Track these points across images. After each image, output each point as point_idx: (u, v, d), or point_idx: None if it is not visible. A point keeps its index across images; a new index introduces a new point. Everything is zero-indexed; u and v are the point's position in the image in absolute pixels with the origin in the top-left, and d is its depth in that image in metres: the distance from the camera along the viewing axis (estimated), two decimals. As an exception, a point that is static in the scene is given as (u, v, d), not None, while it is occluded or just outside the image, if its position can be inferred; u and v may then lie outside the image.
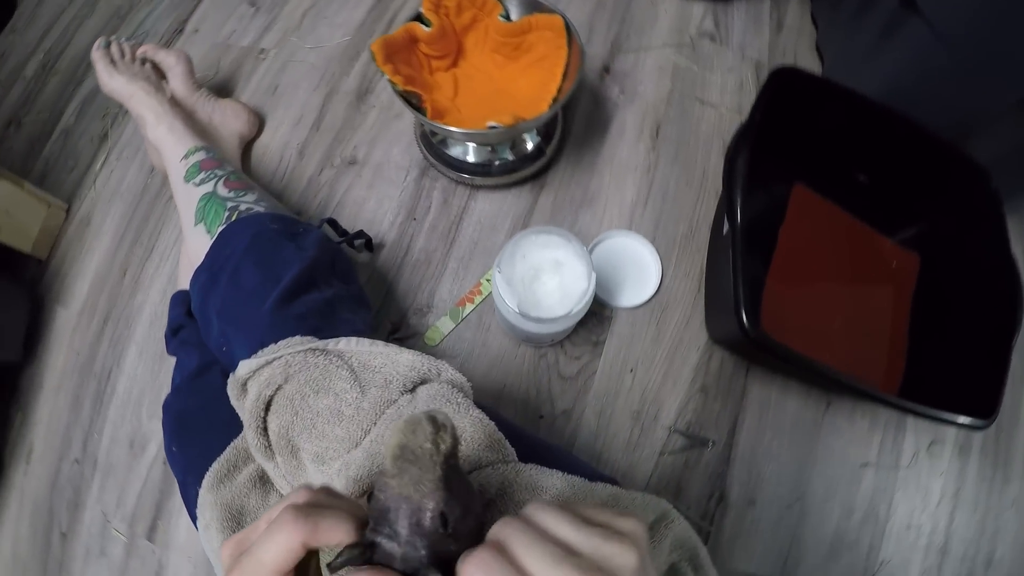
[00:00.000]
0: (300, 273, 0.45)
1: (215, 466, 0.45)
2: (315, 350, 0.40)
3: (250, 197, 0.53)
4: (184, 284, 0.62)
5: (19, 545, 0.68)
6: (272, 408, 0.40)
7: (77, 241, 0.76)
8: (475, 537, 0.23)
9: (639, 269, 0.66)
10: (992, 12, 0.53)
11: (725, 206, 0.56)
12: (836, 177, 0.69)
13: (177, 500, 0.66)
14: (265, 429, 0.40)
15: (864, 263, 0.68)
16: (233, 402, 0.43)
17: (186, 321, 0.57)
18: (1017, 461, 0.64)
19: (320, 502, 0.22)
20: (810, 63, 0.79)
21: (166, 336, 0.60)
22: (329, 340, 0.41)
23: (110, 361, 0.71)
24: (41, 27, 0.91)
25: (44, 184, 0.79)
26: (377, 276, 0.67)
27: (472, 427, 0.37)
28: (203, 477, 0.45)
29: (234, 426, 0.46)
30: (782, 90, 0.59)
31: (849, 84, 0.63)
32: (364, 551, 0.21)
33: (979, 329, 0.58)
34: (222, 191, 0.52)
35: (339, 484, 0.36)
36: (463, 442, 0.36)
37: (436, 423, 0.22)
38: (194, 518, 0.46)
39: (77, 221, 0.77)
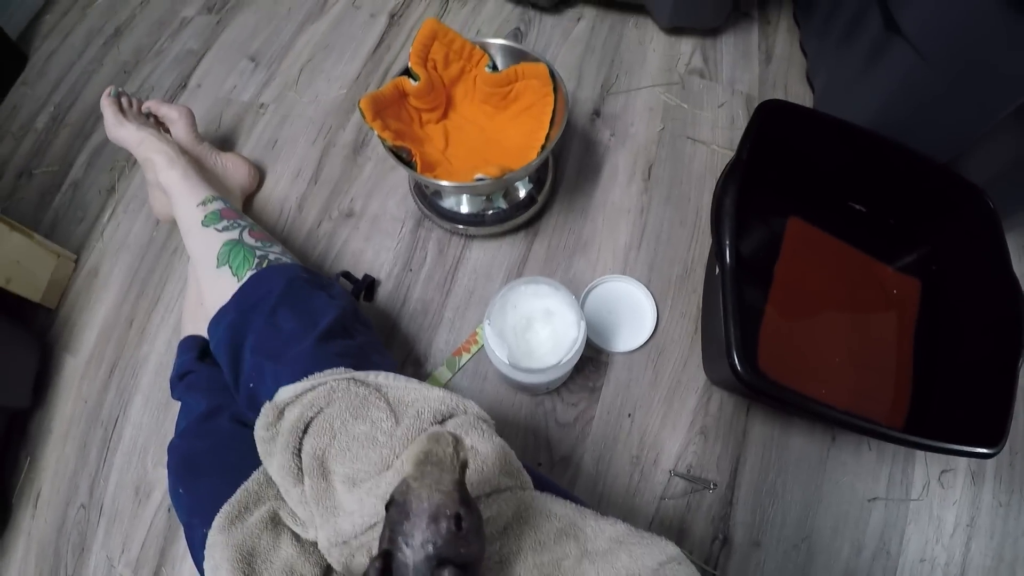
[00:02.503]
0: (335, 320, 0.50)
1: (226, 508, 0.47)
2: (356, 380, 0.45)
3: (276, 249, 0.57)
4: (190, 331, 0.66)
5: (25, 591, 0.72)
6: (310, 431, 0.43)
7: (85, 292, 0.81)
8: (482, 547, 0.27)
9: (634, 313, 0.68)
10: (972, 28, 0.55)
11: (715, 248, 0.59)
12: (832, 207, 0.71)
13: (180, 547, 0.69)
14: (299, 451, 0.44)
15: (864, 292, 0.69)
16: (260, 432, 0.45)
17: (194, 366, 0.61)
18: (1033, 483, 0.64)
19: None
20: (801, 93, 0.82)
21: (171, 380, 0.64)
22: (369, 372, 0.46)
23: (117, 409, 0.75)
24: (51, 81, 0.99)
25: (54, 235, 0.85)
26: (375, 326, 0.71)
27: (494, 452, 0.41)
28: (210, 519, 0.47)
29: (243, 470, 0.49)
30: (770, 124, 0.62)
31: (840, 112, 0.65)
32: (382, 562, 0.25)
33: (983, 353, 0.59)
34: (249, 240, 0.56)
35: (368, 503, 0.40)
36: (486, 465, 0.40)
37: (456, 437, 0.27)
38: (198, 560, 0.48)
39: (85, 272, 0.82)
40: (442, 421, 0.43)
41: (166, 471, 0.68)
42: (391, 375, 0.46)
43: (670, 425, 0.65)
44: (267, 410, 0.45)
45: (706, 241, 0.72)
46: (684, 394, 0.66)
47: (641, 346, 0.67)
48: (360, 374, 0.45)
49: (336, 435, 0.43)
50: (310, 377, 0.45)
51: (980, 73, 0.58)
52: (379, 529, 0.41)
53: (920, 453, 0.66)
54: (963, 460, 0.65)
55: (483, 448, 0.41)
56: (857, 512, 0.62)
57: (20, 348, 0.76)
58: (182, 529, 0.69)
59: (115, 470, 0.74)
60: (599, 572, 0.38)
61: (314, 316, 0.50)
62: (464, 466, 0.27)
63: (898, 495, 0.64)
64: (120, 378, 0.76)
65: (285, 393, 0.45)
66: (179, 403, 0.63)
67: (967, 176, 0.62)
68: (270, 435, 0.45)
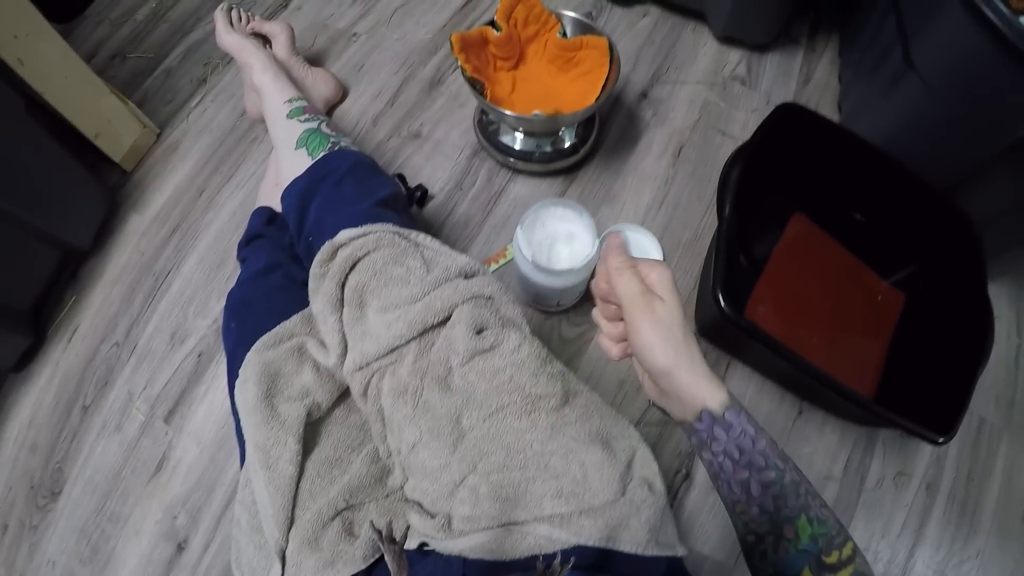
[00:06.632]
0: (389, 195, 0.68)
1: (266, 336, 0.65)
2: (400, 235, 0.62)
3: (346, 140, 0.76)
4: (264, 203, 0.86)
5: (39, 412, 0.87)
6: (355, 268, 0.60)
7: (162, 162, 1.01)
8: None
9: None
10: (972, 68, 0.69)
11: (717, 204, 0.75)
12: (835, 213, 0.87)
13: (200, 390, 0.86)
14: (343, 284, 0.60)
15: (852, 290, 0.85)
16: (314, 269, 0.61)
17: (263, 230, 0.79)
18: (987, 513, 0.76)
19: None
20: (829, 116, 1.00)
21: (239, 244, 0.81)
22: (411, 231, 0.63)
23: (171, 263, 0.93)
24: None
25: (141, 110, 1.06)
26: (420, 229, 0.90)
27: (508, 295, 0.60)
28: (251, 347, 0.65)
29: (286, 313, 0.67)
30: (787, 124, 0.78)
31: (856, 132, 0.80)
32: None
33: (949, 359, 0.72)
34: (325, 130, 0.75)
35: (395, 327, 0.56)
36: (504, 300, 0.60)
37: None
38: (232, 382, 0.65)
39: (166, 145, 1.02)
40: (466, 277, 0.60)
41: (204, 322, 0.87)
42: (429, 237, 0.64)
43: (657, 363, 0.82)
44: (325, 248, 0.61)
45: (719, 219, 0.91)
46: (675, 341, 0.83)
47: (644, 290, 0.86)
48: (404, 231, 0.62)
49: (376, 274, 0.59)
50: (364, 227, 0.61)
51: (977, 108, 0.71)
52: (398, 353, 0.58)
53: (879, 449, 0.79)
54: (920, 466, 0.78)
55: (498, 292, 0.60)
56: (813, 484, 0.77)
57: (91, 195, 0.93)
58: (205, 375, 0.87)
59: (156, 315, 0.91)
60: (576, 418, 0.56)
61: (373, 189, 0.67)
62: None
63: (852, 482, 0.76)
64: (180, 238, 0.95)
65: (343, 235, 0.61)
66: (234, 266, 0.82)
67: (956, 203, 0.76)
68: (322, 272, 0.61)
